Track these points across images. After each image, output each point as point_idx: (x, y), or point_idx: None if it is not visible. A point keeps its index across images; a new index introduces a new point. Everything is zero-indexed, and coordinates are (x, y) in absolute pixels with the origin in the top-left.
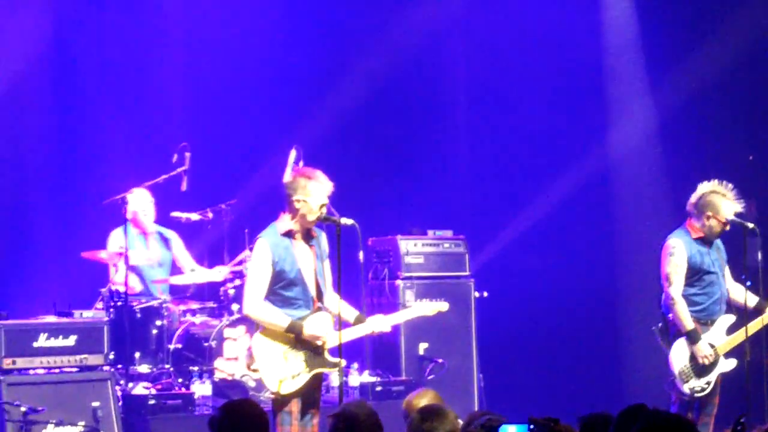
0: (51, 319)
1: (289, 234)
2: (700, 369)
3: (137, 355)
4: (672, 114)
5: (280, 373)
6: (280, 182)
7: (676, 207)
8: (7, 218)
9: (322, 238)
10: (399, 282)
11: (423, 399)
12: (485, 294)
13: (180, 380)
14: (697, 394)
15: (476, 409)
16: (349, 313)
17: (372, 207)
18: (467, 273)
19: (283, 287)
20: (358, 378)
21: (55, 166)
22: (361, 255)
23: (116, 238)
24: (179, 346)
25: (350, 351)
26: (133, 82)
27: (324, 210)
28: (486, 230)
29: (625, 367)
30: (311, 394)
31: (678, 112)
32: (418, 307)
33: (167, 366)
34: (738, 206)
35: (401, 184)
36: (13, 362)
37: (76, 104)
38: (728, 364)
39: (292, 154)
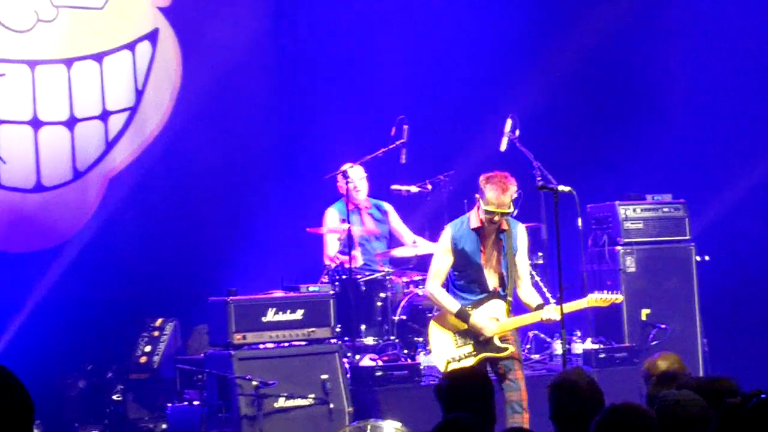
0: (279, 294)
1: (477, 227)
2: None
3: (363, 327)
4: None
5: (448, 354)
6: (497, 151)
7: None
8: (235, 199)
9: (517, 232)
10: (619, 248)
11: (664, 362)
12: (707, 258)
13: (405, 351)
14: None
15: (701, 374)
16: (534, 301)
17: (589, 173)
18: (688, 237)
19: (463, 274)
20: (581, 345)
21: (278, 145)
22: (579, 222)
23: (332, 215)
24: (404, 317)
25: (573, 319)
26: (349, 60)
27: (491, 217)
28: (706, 193)
29: None
30: None
31: None
32: (592, 299)
33: (392, 338)
34: None
35: (619, 149)
36: (244, 337)
37: (296, 86)
38: None
39: (508, 124)
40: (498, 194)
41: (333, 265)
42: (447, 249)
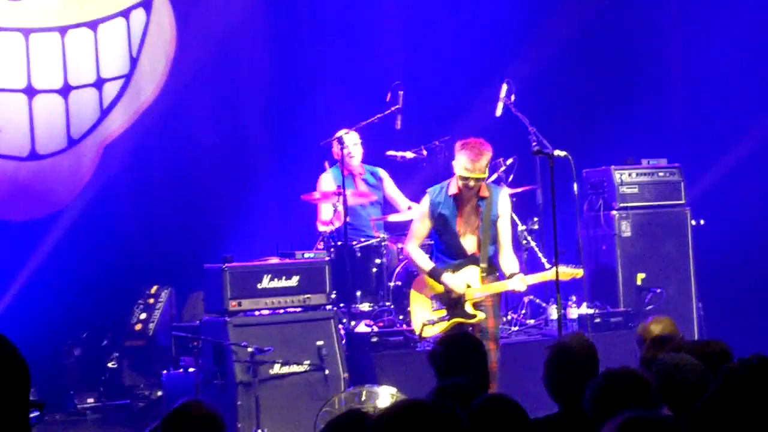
0: (274, 260)
1: (455, 193)
2: None
3: (358, 293)
4: None
5: (424, 318)
6: (492, 117)
7: None
8: (230, 166)
9: (498, 198)
10: (614, 213)
11: (657, 326)
12: (702, 222)
13: (401, 317)
14: None
15: (696, 338)
16: (510, 269)
17: (585, 138)
18: (683, 202)
19: (442, 239)
20: (576, 310)
21: (273, 112)
22: (575, 187)
23: (327, 180)
24: (399, 283)
25: (568, 284)
26: (345, 26)
27: (466, 182)
28: (702, 158)
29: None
30: None
31: None
32: (555, 271)
33: (388, 303)
34: None
35: (615, 114)
36: (239, 304)
37: (291, 53)
38: None
39: (504, 89)
40: (472, 159)
41: (328, 231)
42: (425, 214)
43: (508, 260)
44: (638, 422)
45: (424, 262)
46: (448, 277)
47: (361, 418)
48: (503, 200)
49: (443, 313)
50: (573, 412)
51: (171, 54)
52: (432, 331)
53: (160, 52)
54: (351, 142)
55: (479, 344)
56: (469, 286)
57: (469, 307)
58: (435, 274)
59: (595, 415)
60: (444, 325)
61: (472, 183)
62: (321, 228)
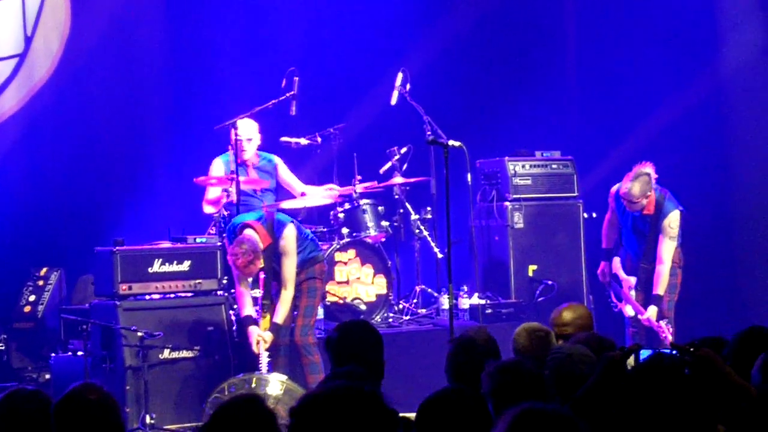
0: (165, 245)
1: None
2: None
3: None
4: None
5: None
6: (388, 106)
7: None
8: (124, 149)
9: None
10: (507, 204)
11: (569, 313)
12: (594, 215)
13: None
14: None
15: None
16: None
17: (480, 129)
18: (576, 194)
19: None
20: (467, 301)
21: (168, 95)
22: (469, 177)
23: (217, 166)
24: None
25: (460, 274)
26: (242, 11)
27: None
28: (595, 151)
29: (742, 291)
30: None
31: None
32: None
33: None
34: None
35: (509, 105)
36: (129, 288)
37: (187, 36)
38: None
39: (399, 77)
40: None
41: (213, 212)
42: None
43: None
44: (534, 414)
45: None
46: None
47: (255, 401)
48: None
49: None
50: None
51: (66, 33)
52: None
53: (55, 31)
54: (245, 136)
55: (376, 333)
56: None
57: None
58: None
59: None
60: None
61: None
62: (206, 209)
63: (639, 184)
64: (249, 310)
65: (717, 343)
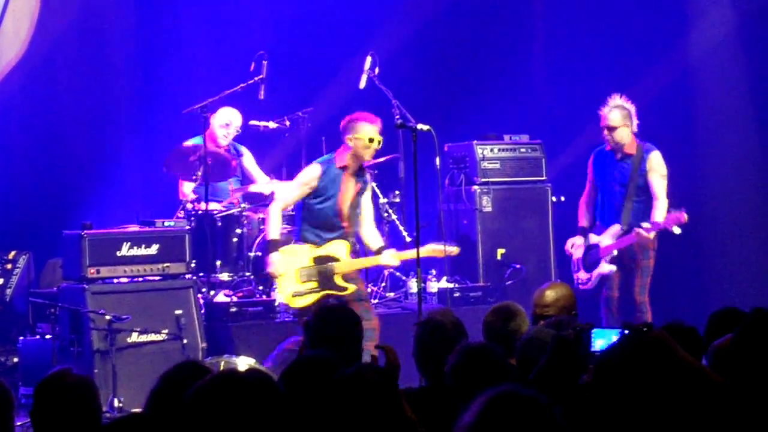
0: (134, 228)
1: (343, 168)
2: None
3: (218, 263)
4: (752, 13)
5: (293, 289)
6: (356, 89)
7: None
8: (93, 133)
9: (367, 175)
10: (476, 188)
11: (552, 292)
12: (562, 198)
13: (261, 288)
14: (581, 286)
15: None
16: (376, 243)
17: (448, 112)
18: (544, 178)
19: (318, 211)
20: (436, 284)
21: (137, 79)
22: (437, 161)
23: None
24: (259, 253)
25: (429, 258)
26: None
27: (375, 145)
28: (563, 135)
29: (703, 277)
30: None
31: (758, 12)
32: (430, 248)
33: (248, 274)
34: None
35: (477, 89)
36: (97, 271)
37: (156, 20)
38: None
39: (368, 61)
40: (376, 124)
41: (189, 199)
42: (310, 181)
43: (372, 234)
44: (508, 397)
45: (274, 231)
46: (274, 257)
47: (197, 368)
48: (369, 177)
49: (313, 284)
50: (441, 387)
51: (35, 16)
52: (302, 302)
53: (24, 14)
54: (235, 125)
55: (354, 316)
56: (338, 259)
57: (339, 280)
58: (270, 246)
59: (455, 389)
60: (314, 297)
61: (374, 149)
62: (183, 199)
63: (618, 110)
64: (276, 233)
65: (678, 329)
